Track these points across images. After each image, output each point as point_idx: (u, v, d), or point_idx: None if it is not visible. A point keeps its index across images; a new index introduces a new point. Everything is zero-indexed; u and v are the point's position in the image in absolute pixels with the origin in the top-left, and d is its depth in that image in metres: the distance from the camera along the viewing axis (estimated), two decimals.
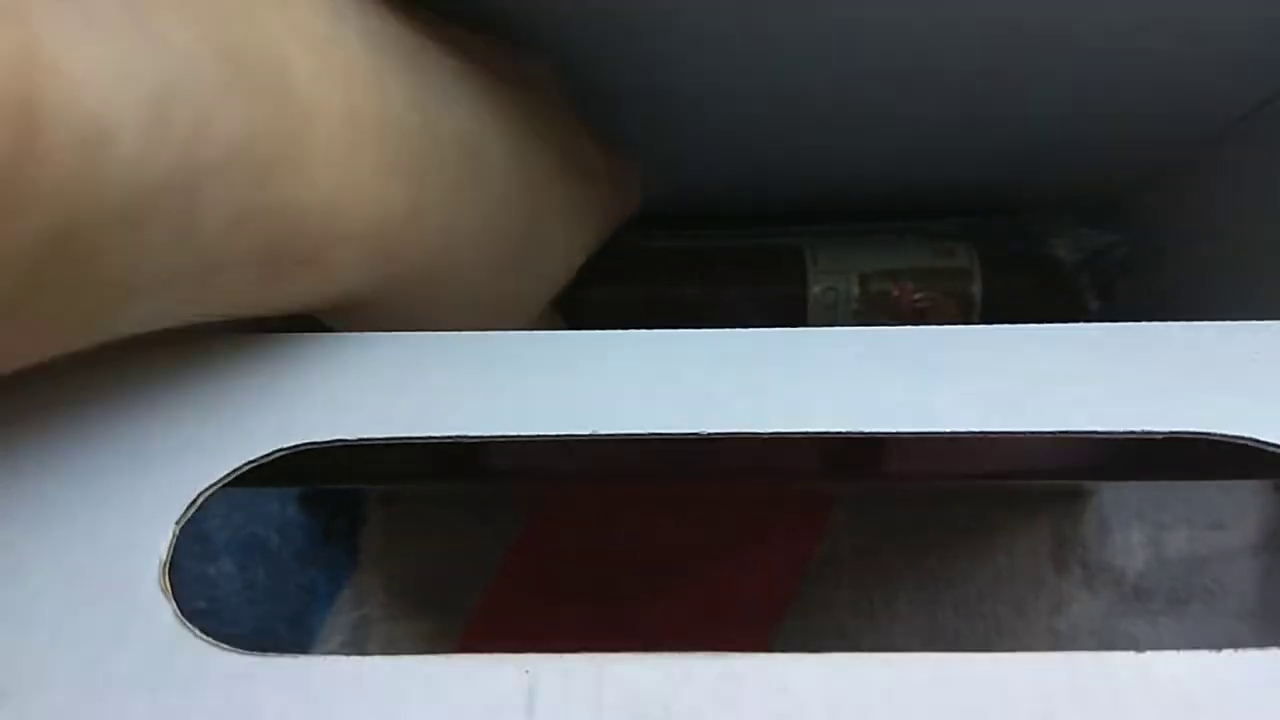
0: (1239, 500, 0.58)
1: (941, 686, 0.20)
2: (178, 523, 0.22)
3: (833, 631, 0.56)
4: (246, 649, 0.21)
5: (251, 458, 0.23)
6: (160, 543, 0.22)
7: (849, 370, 0.24)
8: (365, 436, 0.23)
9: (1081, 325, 0.25)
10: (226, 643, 0.20)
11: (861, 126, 0.47)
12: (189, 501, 0.22)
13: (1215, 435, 0.23)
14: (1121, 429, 0.23)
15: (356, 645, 0.56)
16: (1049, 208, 0.58)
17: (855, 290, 0.51)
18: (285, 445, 0.23)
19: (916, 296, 0.51)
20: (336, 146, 0.25)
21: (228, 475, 0.22)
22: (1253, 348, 0.24)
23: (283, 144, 0.23)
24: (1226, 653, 0.20)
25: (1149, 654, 0.20)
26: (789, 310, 0.51)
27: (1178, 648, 0.20)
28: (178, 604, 0.21)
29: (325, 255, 0.25)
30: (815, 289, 0.51)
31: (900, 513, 0.57)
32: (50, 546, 0.22)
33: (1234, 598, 0.57)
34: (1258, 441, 0.23)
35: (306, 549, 0.57)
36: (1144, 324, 0.25)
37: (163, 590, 0.21)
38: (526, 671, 0.21)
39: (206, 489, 0.22)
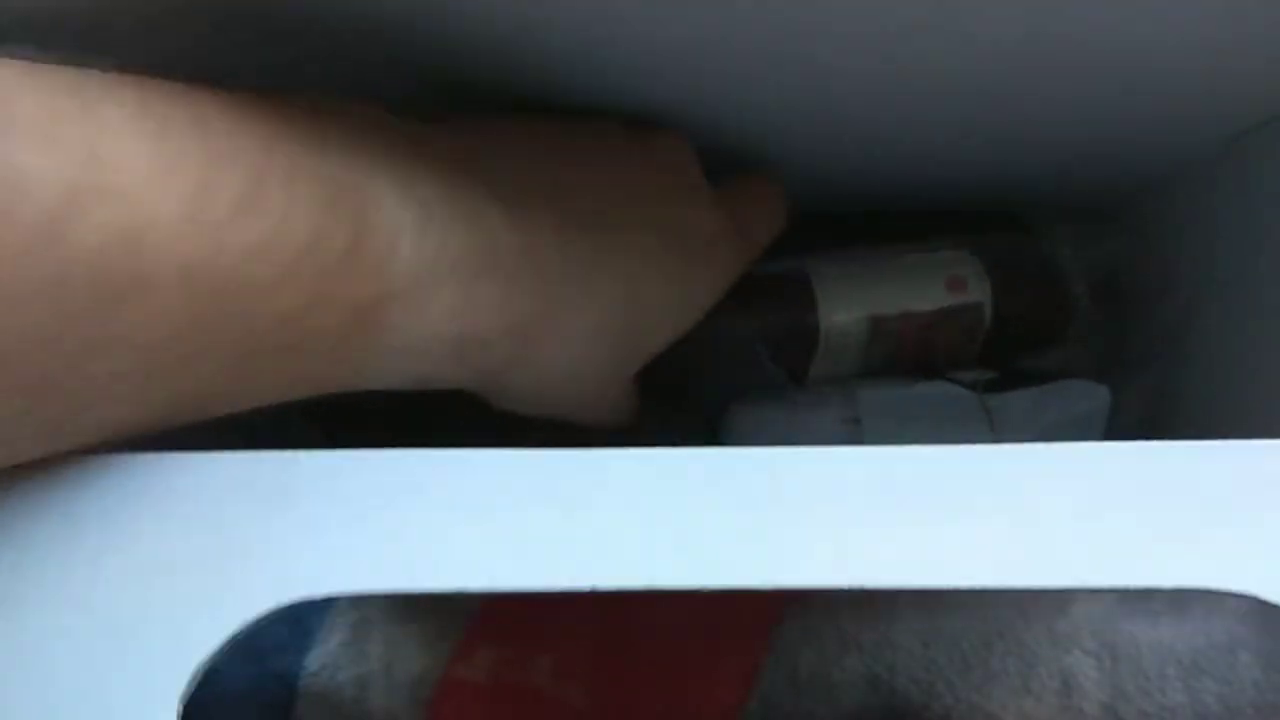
0: None
1: None
2: (180, 700, 0.22)
3: (833, 631, 0.56)
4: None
5: (249, 618, 0.22)
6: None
7: (854, 507, 0.24)
8: (362, 589, 0.23)
9: (1083, 448, 0.24)
10: (225, 643, 0.20)
11: (865, 133, 0.47)
12: (189, 676, 0.22)
13: (1220, 590, 0.23)
14: (1124, 584, 0.23)
15: (356, 646, 0.56)
16: (1054, 216, 0.57)
17: (865, 335, 0.51)
18: (282, 601, 0.23)
19: (924, 325, 0.51)
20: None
21: (226, 642, 0.22)
22: (1259, 472, 0.24)
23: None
24: None
25: None
26: (798, 343, 0.51)
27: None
28: None
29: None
30: (825, 328, 0.51)
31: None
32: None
33: (1235, 598, 0.56)
34: (1262, 601, 0.23)
35: None
36: (1146, 446, 0.24)
37: None
38: None
39: (205, 660, 0.22)
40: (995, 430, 0.51)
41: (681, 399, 0.56)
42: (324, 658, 0.56)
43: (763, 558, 0.23)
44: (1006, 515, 0.23)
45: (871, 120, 0.44)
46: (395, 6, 0.32)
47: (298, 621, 0.56)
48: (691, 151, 0.45)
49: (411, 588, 0.23)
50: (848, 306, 0.51)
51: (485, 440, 0.25)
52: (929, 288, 0.52)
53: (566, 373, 0.40)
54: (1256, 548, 0.23)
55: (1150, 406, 0.53)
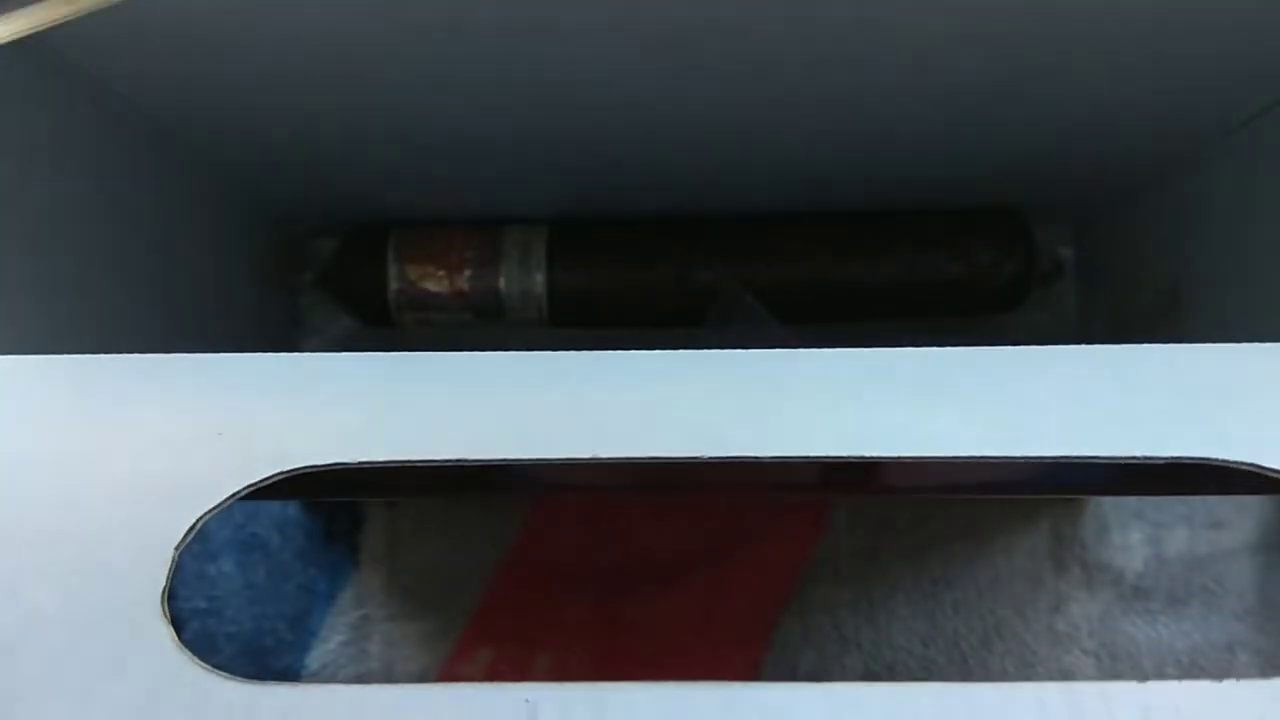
0: (1238, 500, 0.58)
1: (943, 716, 0.20)
2: (176, 549, 0.22)
3: (832, 631, 0.56)
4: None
5: (250, 482, 0.23)
6: (159, 570, 0.22)
7: (850, 392, 0.24)
8: (364, 460, 0.23)
9: (1082, 348, 0.25)
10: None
11: (866, 133, 0.47)
12: (187, 528, 0.22)
13: (1218, 461, 0.23)
14: (1124, 454, 0.23)
15: (357, 645, 0.56)
16: (1051, 213, 0.58)
17: None
18: (283, 469, 0.23)
19: None
20: None
21: (225, 500, 0.22)
22: (1255, 370, 0.24)
23: None
24: (1228, 683, 0.20)
25: (1150, 684, 0.20)
26: None
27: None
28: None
29: None
30: None
31: (900, 513, 0.57)
32: (48, 574, 0.22)
33: (1233, 597, 0.57)
34: (1260, 468, 0.23)
35: (307, 549, 0.57)
36: (1146, 346, 0.25)
37: (162, 618, 0.21)
38: (526, 700, 0.21)
39: (204, 514, 0.22)
40: None
41: None
42: (324, 657, 0.56)
43: (760, 431, 0.23)
44: (1005, 399, 0.24)
45: (872, 120, 0.45)
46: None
47: (299, 620, 0.56)
48: None
49: (412, 458, 0.23)
50: None
51: None
52: None
53: None
54: (1251, 426, 0.23)
55: None
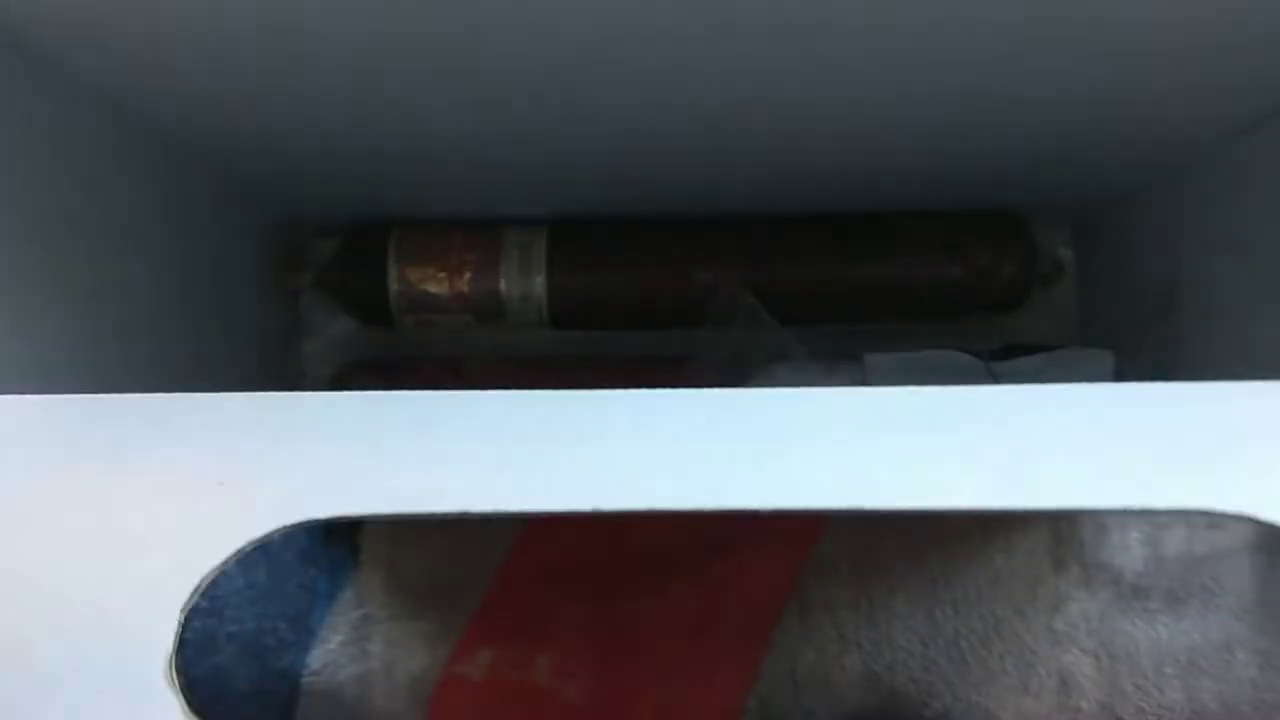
0: None
1: None
2: (182, 610, 0.22)
3: (832, 631, 0.56)
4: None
5: (253, 537, 0.23)
6: (166, 632, 0.22)
7: (850, 437, 0.24)
8: (366, 512, 0.23)
9: (1081, 388, 0.25)
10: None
11: (867, 135, 0.47)
12: (192, 588, 0.22)
13: (1215, 512, 0.23)
14: (1121, 505, 0.23)
15: (357, 644, 0.56)
16: (1052, 215, 0.58)
17: None
18: (286, 523, 0.23)
19: None
20: None
21: (230, 558, 0.22)
22: (1254, 410, 0.24)
23: None
24: None
25: None
26: None
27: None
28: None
29: None
30: None
31: (899, 512, 0.57)
32: (56, 637, 0.22)
33: (1231, 596, 0.57)
34: (1256, 519, 0.23)
35: (308, 548, 0.57)
36: (1144, 386, 0.25)
37: (170, 684, 0.21)
38: None
39: (209, 574, 0.22)
40: None
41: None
42: (325, 656, 0.56)
43: (762, 482, 0.23)
44: (1004, 445, 0.24)
45: (873, 122, 0.45)
46: None
47: (299, 620, 0.56)
48: None
49: (413, 512, 0.23)
50: None
51: None
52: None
53: None
54: (1250, 474, 0.23)
55: None
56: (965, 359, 0.54)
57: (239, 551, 0.23)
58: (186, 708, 0.21)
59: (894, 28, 0.36)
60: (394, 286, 0.56)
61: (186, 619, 0.22)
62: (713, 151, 0.50)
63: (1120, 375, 0.53)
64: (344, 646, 0.56)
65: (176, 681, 0.21)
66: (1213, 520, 0.57)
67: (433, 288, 0.56)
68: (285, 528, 0.23)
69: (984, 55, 0.38)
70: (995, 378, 0.53)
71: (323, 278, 0.59)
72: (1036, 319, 0.60)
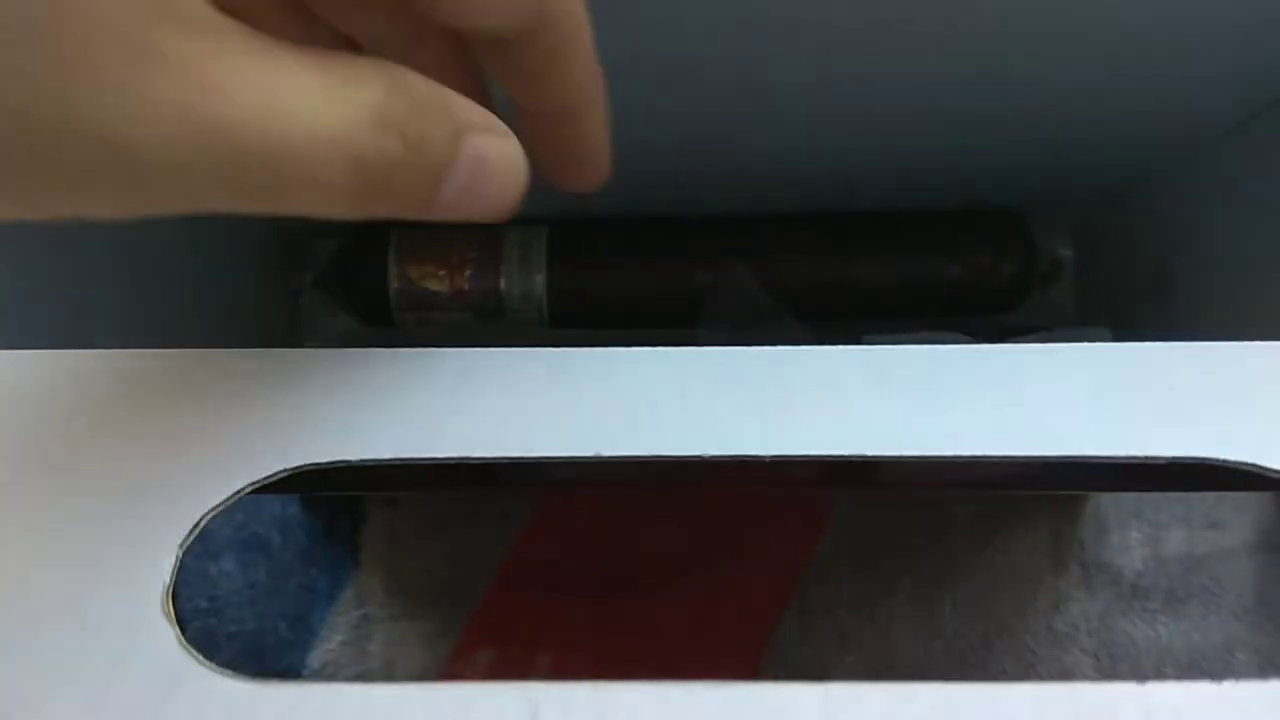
0: (1236, 500, 0.58)
1: (944, 717, 0.20)
2: (180, 546, 0.22)
3: (833, 631, 0.56)
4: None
5: (253, 479, 0.23)
6: (163, 567, 0.22)
7: (852, 390, 0.24)
8: (366, 457, 0.23)
9: (1083, 346, 0.25)
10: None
11: (867, 133, 0.47)
12: (191, 525, 0.22)
13: (1218, 461, 0.23)
14: (1124, 454, 0.23)
15: (357, 644, 0.56)
16: (1052, 211, 0.58)
17: None
18: (287, 467, 0.23)
19: None
20: None
21: (230, 498, 0.22)
22: (1257, 368, 0.24)
23: None
24: (1227, 684, 0.20)
25: (1149, 685, 0.20)
26: None
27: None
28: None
29: None
30: None
31: (900, 512, 0.57)
32: (53, 571, 0.22)
33: (1231, 597, 0.57)
34: (1260, 468, 0.23)
35: (308, 548, 0.57)
36: (1147, 344, 0.25)
37: (166, 616, 0.21)
38: (529, 699, 0.21)
39: (208, 512, 0.22)
40: None
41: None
42: (325, 656, 0.56)
43: (763, 430, 0.23)
44: (1000, 397, 0.24)
45: (873, 120, 0.45)
46: None
47: (299, 620, 0.56)
48: None
49: (415, 456, 0.23)
50: None
51: None
52: None
53: None
54: (1252, 425, 0.23)
55: None
56: (964, 340, 0.54)
57: (239, 493, 0.23)
58: (181, 638, 0.21)
59: (893, 29, 0.36)
60: (394, 284, 0.56)
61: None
62: (713, 152, 0.50)
63: None
64: (344, 646, 0.56)
65: (171, 614, 0.21)
66: (1214, 520, 0.57)
67: (433, 286, 0.56)
68: (286, 470, 0.23)
69: (981, 55, 0.38)
70: None
71: (322, 278, 0.59)
72: (1035, 318, 0.60)
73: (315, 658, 0.56)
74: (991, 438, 0.23)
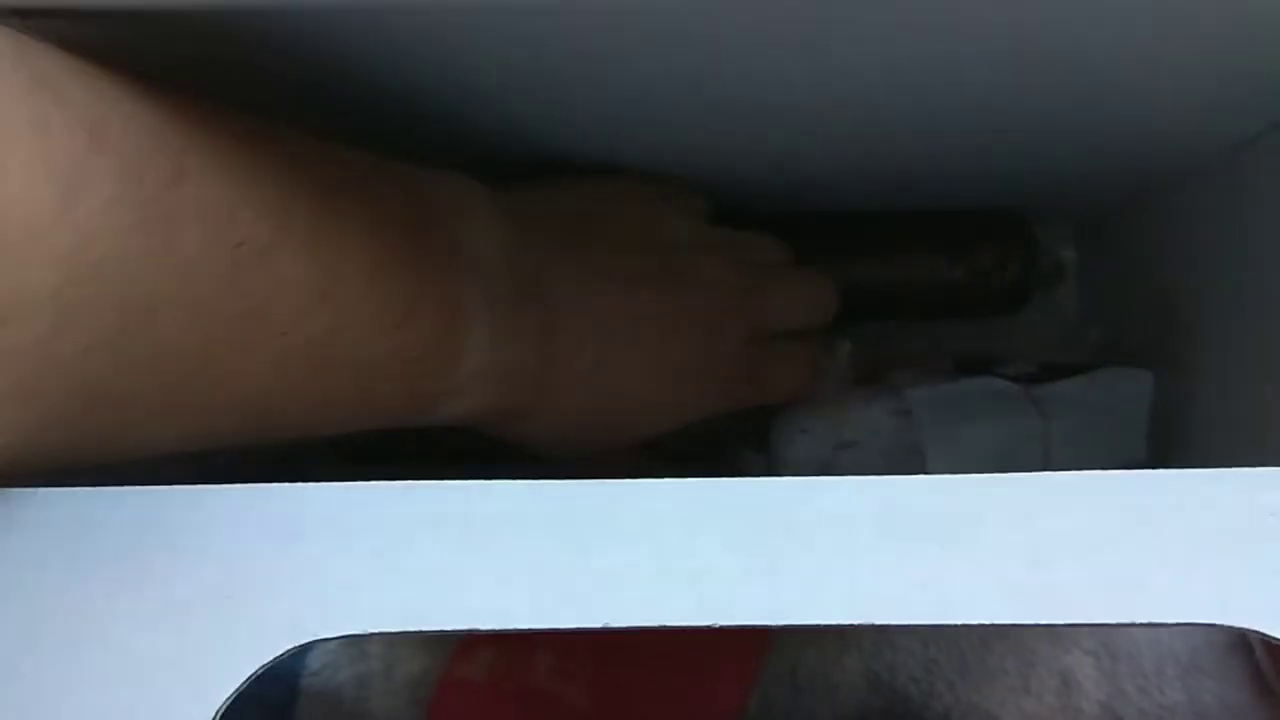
0: None
1: None
2: None
3: (832, 631, 0.57)
4: None
5: (264, 660, 0.23)
6: None
7: (860, 540, 0.24)
8: (371, 630, 0.23)
9: (1092, 475, 0.24)
10: None
11: (870, 136, 0.47)
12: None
13: (1224, 627, 0.23)
14: (1129, 620, 0.23)
15: (357, 645, 0.56)
16: (1057, 217, 0.58)
17: None
18: (296, 644, 0.23)
19: None
20: None
21: (242, 684, 0.22)
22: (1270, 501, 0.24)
23: None
24: None
25: None
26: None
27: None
28: None
29: None
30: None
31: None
32: None
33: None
34: (1266, 636, 0.23)
35: None
36: (1157, 473, 0.24)
37: None
38: None
39: (223, 704, 0.22)
40: (1045, 418, 0.51)
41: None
42: (325, 657, 0.56)
43: (772, 596, 0.23)
44: (1013, 546, 0.24)
45: (876, 123, 0.44)
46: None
47: None
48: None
49: (428, 628, 0.23)
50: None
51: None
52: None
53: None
54: (1259, 580, 0.23)
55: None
56: (1003, 385, 0.53)
57: (252, 676, 0.23)
58: None
59: (899, 33, 0.35)
60: None
61: None
62: (714, 153, 0.49)
63: (1159, 394, 0.52)
64: (344, 647, 0.56)
65: None
66: None
67: None
68: (294, 649, 0.23)
69: (990, 62, 0.38)
70: (1035, 403, 0.52)
71: None
72: (1038, 320, 0.60)
73: (315, 658, 0.56)
74: (1001, 602, 0.23)
